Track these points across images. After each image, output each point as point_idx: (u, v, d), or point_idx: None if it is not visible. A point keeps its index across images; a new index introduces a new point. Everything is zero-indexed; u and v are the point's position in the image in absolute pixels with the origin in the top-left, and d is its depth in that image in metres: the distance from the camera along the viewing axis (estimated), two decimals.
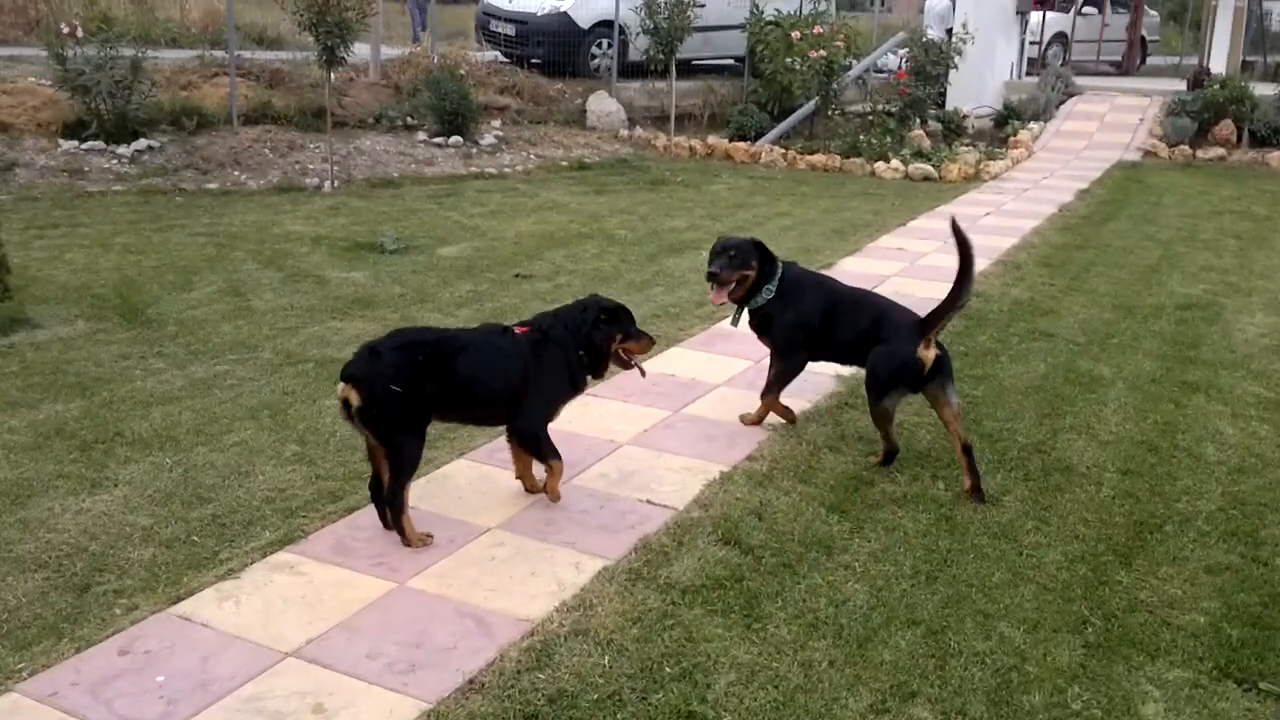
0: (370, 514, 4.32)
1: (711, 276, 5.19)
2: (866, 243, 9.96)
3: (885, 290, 7.98)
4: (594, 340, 4.37)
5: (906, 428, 5.42)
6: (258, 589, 3.83)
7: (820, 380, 6.05)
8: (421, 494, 4.56)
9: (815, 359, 5.36)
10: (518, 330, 4.35)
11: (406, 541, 4.13)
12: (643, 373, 4.62)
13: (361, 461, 4.72)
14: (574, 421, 5.38)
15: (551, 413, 4.42)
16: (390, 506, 4.16)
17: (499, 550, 4.15)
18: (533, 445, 4.40)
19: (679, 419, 5.60)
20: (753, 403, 5.68)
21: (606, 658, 3.44)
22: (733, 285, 5.15)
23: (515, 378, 4.24)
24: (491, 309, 7.59)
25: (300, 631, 3.56)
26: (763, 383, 5.47)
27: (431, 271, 8.64)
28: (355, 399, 3.96)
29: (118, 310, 7.18)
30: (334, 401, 4.71)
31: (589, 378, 4.47)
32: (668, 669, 3.40)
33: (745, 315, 5.37)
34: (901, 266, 8.99)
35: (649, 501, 4.59)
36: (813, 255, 9.26)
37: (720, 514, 4.45)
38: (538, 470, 4.50)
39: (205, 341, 6.67)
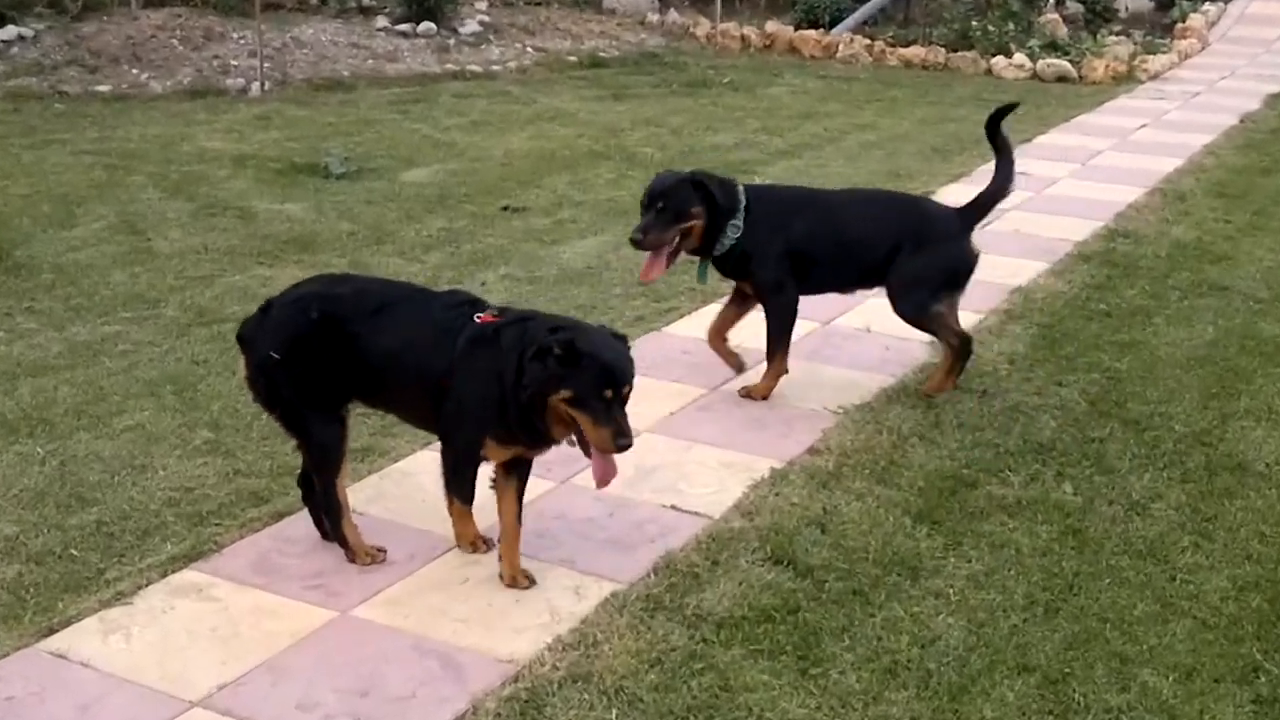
0: (304, 521, 4.37)
1: (636, 243, 5.28)
2: (978, 165, 9.91)
3: (1002, 228, 7.96)
4: (520, 382, 3.80)
5: (1025, 411, 5.42)
6: (155, 618, 3.88)
7: (908, 348, 6.04)
8: (373, 495, 4.60)
9: (817, 291, 5.65)
10: (481, 318, 3.98)
11: (351, 557, 4.17)
12: (600, 479, 3.87)
13: (294, 453, 4.78)
14: None
15: (473, 442, 4.03)
16: (325, 511, 4.21)
17: (473, 570, 4.18)
18: (444, 470, 4.15)
19: (717, 399, 5.61)
20: (819, 379, 5.69)
21: (614, 712, 3.47)
22: (673, 246, 5.28)
23: (436, 370, 3.98)
24: (471, 252, 7.64)
25: (210, 674, 3.60)
26: (830, 350, 5.51)
27: (392, 202, 8.70)
28: (242, 367, 4.07)
29: None
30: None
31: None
32: None
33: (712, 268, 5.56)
34: (1025, 198, 8.95)
35: (675, 508, 4.61)
36: (904, 181, 9.24)
37: (770, 524, 4.47)
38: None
39: (91, 294, 6.75)
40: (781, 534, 4.40)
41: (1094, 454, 5.07)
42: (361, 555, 4.16)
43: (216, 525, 4.43)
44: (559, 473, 4.70)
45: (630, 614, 3.92)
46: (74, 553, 4.25)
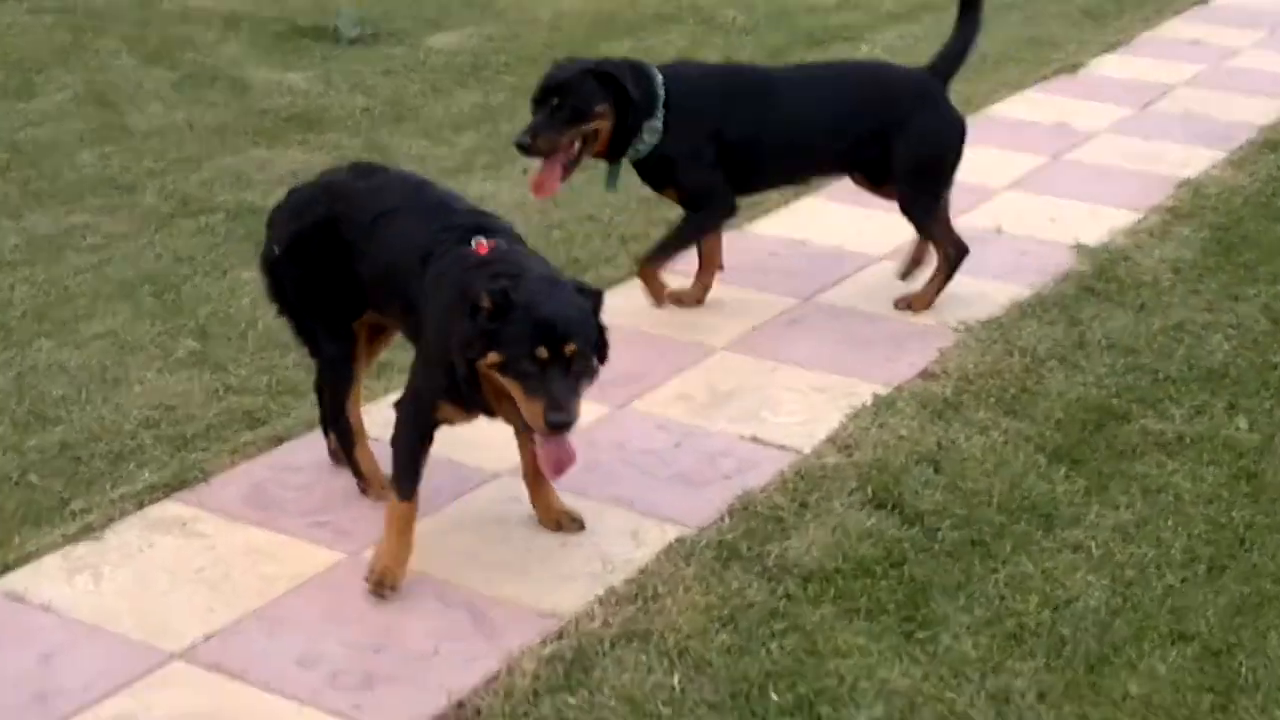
0: (309, 447, 4.43)
1: (523, 148, 5.18)
2: (1139, 31, 9.75)
3: (1168, 108, 7.86)
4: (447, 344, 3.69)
5: (1191, 330, 5.37)
6: (130, 557, 3.94)
7: (1047, 254, 6.02)
8: (392, 417, 4.65)
9: (758, 191, 5.86)
10: (480, 245, 3.79)
11: (364, 488, 4.23)
12: (550, 468, 3.72)
13: (296, 366, 4.84)
14: (642, 313, 5.44)
15: (421, 409, 3.92)
16: (335, 431, 4.26)
17: (511, 507, 4.22)
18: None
19: (810, 311, 5.61)
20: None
21: (676, 676, 3.49)
22: (572, 152, 5.19)
23: (410, 294, 3.93)
24: (510, 134, 7.59)
25: (195, 622, 3.66)
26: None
27: (415, 73, 8.70)
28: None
29: None
30: (253, 274, 4.83)
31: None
32: (775, 697, 3.44)
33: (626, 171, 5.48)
34: (1195, 71, 8.80)
35: (755, 439, 4.63)
36: (1045, 49, 9.11)
37: (872, 461, 4.47)
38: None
39: (54, 178, 6.81)
40: (886, 473, 4.39)
41: (1276, 383, 5.01)
42: (376, 486, 4.21)
43: (203, 450, 4.48)
44: (614, 395, 4.73)
45: (699, 563, 3.94)
46: (33, 479, 4.32)
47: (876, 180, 5.68)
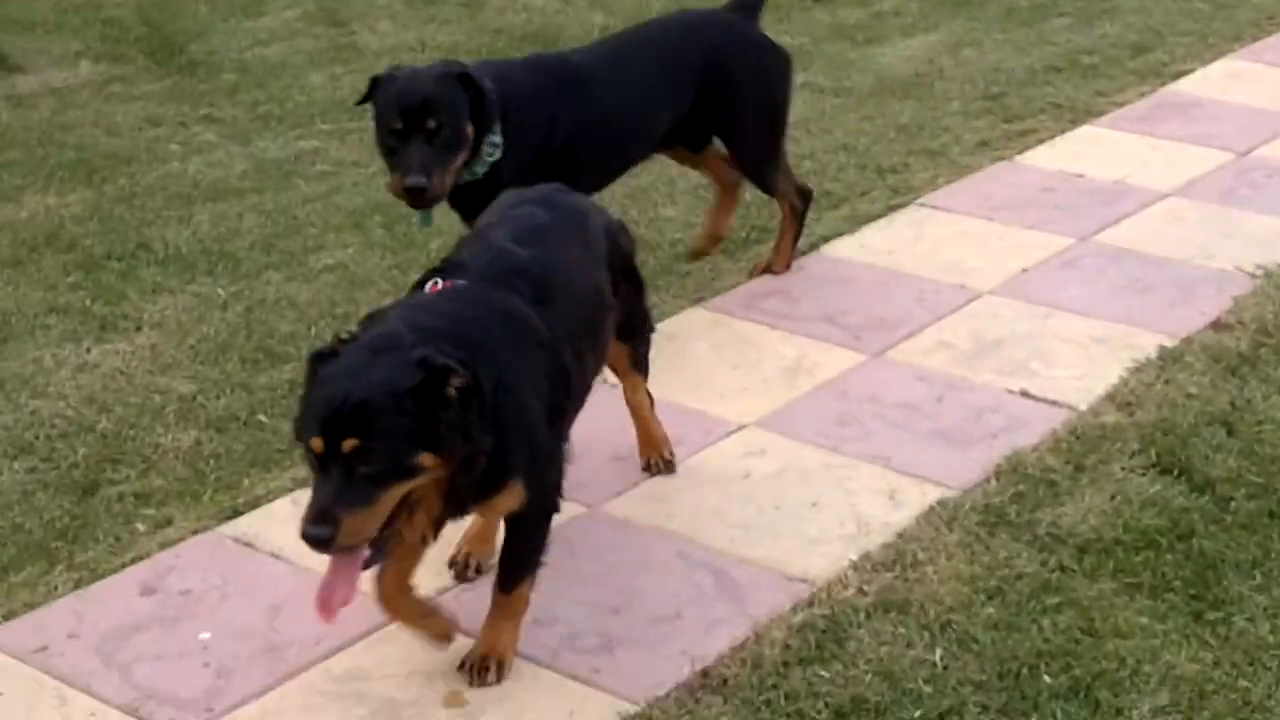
0: None
1: (421, 192, 4.42)
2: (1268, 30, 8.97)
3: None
4: None
5: None
6: None
7: None
8: None
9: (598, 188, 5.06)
10: (433, 286, 3.40)
11: None
12: (317, 600, 3.09)
13: None
14: (900, 251, 5.37)
15: None
16: None
17: (756, 462, 4.21)
18: None
19: (1088, 252, 5.46)
20: (1230, 227, 5.46)
21: (938, 652, 3.44)
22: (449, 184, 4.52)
23: None
24: None
25: (428, 576, 3.72)
26: (1247, 190, 5.30)
27: None
28: None
29: (143, 46, 7.61)
30: None
31: None
32: (1048, 679, 3.36)
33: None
34: None
35: (1026, 394, 4.53)
36: (1146, 54, 8.59)
37: (1156, 421, 4.34)
38: None
39: (282, 100, 6.97)
40: (1172, 434, 4.26)
41: None
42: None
43: None
44: (870, 343, 4.68)
45: (962, 529, 3.87)
46: (262, 419, 4.44)
47: (697, 147, 5.29)
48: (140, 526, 3.96)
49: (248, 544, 3.87)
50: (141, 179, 6.11)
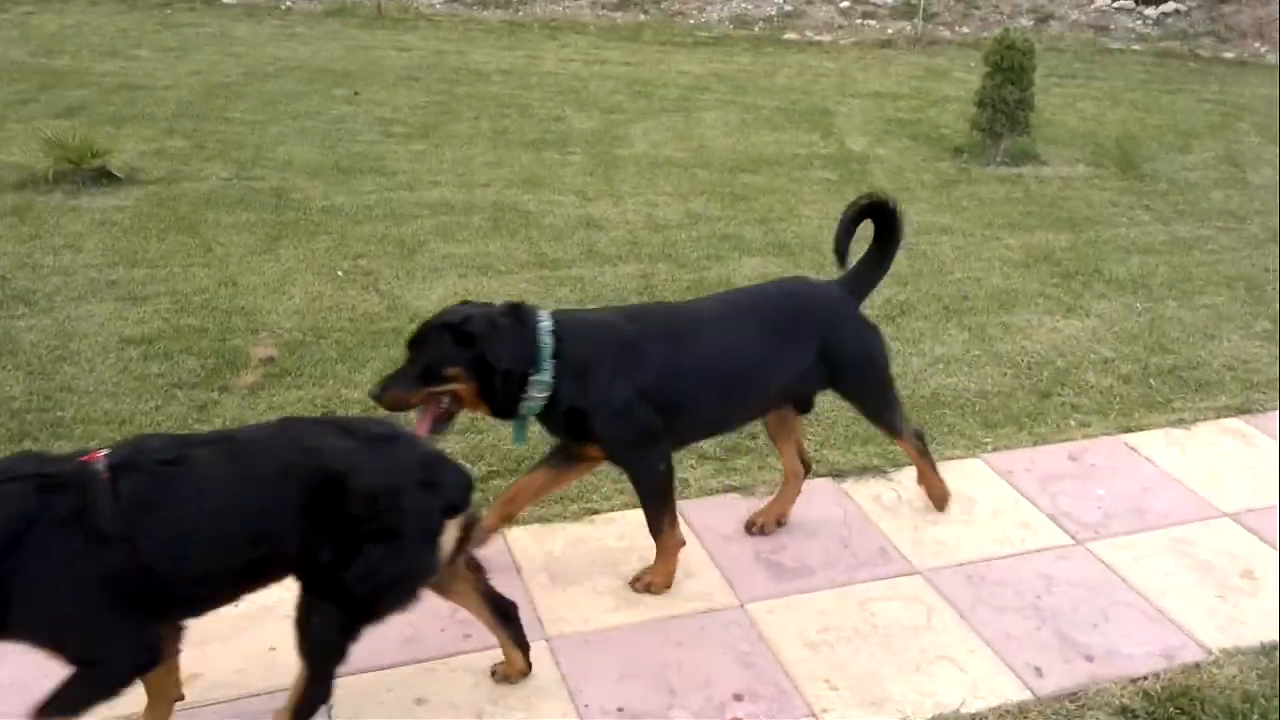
0: None
1: (373, 398, 2.72)
2: None
3: None
4: None
5: None
6: (1205, 444, 3.69)
7: None
8: None
9: (691, 440, 3.11)
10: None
11: None
12: None
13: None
14: None
15: None
16: None
17: None
18: None
19: None
20: None
21: None
22: (441, 406, 2.70)
23: None
24: None
25: (1241, 497, 3.35)
26: None
27: None
28: None
29: (1115, 160, 7.17)
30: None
31: None
32: None
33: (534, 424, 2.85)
34: None
35: None
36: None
37: None
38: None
39: (1193, 203, 6.35)
40: None
41: None
42: None
43: (1262, 393, 4.06)
44: None
45: None
46: (1151, 383, 4.15)
47: (805, 408, 3.13)
48: (1072, 422, 3.83)
49: (1134, 449, 3.63)
50: (1101, 233, 5.78)
